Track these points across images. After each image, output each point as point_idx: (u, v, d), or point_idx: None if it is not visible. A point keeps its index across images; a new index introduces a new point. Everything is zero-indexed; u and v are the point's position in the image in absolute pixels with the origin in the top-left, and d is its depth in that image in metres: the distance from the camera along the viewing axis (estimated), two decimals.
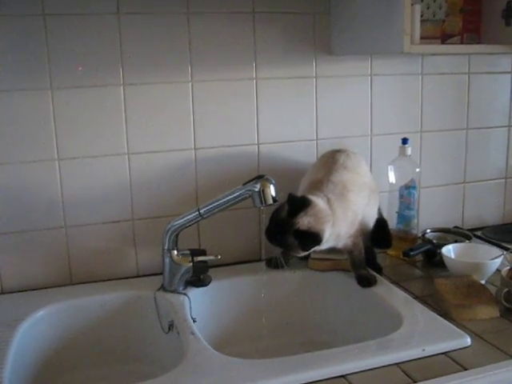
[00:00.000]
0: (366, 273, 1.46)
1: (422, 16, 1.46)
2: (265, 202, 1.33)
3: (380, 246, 1.62)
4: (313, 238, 1.33)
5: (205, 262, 1.43)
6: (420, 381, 1.03)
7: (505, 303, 1.30)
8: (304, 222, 1.33)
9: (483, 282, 1.43)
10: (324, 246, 1.39)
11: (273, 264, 1.52)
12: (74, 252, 1.52)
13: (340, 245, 1.44)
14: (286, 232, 1.33)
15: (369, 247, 1.53)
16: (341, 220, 1.39)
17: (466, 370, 1.07)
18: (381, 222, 1.59)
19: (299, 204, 1.35)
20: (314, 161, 1.66)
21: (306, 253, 1.39)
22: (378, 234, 1.57)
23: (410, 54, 1.34)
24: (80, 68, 1.43)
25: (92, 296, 1.44)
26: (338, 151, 1.54)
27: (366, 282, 1.44)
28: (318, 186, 1.43)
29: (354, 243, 1.46)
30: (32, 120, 1.43)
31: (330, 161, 1.51)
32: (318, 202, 1.37)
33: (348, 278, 1.49)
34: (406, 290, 1.42)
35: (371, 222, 1.54)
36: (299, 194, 1.43)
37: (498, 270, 1.41)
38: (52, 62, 1.41)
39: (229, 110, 1.58)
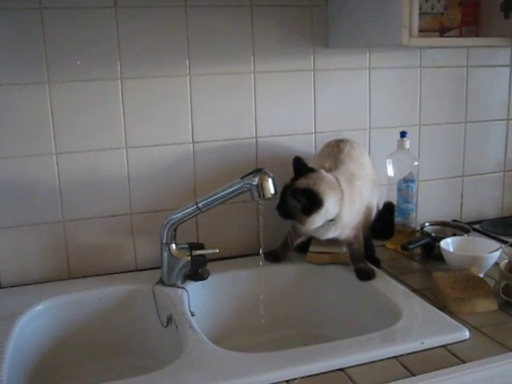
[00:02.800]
0: (365, 266, 1.46)
1: (420, 9, 1.45)
2: (263, 196, 1.33)
3: (383, 236, 1.61)
4: (312, 198, 1.33)
5: (203, 255, 1.43)
6: (419, 374, 1.04)
7: (503, 296, 1.30)
8: (303, 182, 1.34)
9: (482, 275, 1.43)
10: (328, 233, 1.41)
11: (272, 257, 1.52)
12: (72, 246, 1.52)
13: (343, 236, 1.44)
14: (287, 195, 1.35)
15: (367, 240, 1.53)
16: (347, 202, 1.38)
17: (464, 363, 1.07)
18: (388, 208, 1.57)
19: (304, 168, 1.37)
20: (312, 154, 1.66)
21: (310, 221, 1.36)
22: (383, 221, 1.56)
23: (409, 46, 1.34)
24: (78, 62, 1.43)
25: (90, 290, 1.44)
26: (342, 141, 1.53)
27: (364, 275, 1.44)
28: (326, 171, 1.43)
29: (355, 235, 1.46)
30: (29, 114, 1.42)
31: (335, 150, 1.51)
32: (326, 174, 1.38)
33: (347, 272, 1.49)
34: (404, 283, 1.43)
35: (372, 214, 1.54)
36: None
37: (497, 264, 1.41)
38: (49, 56, 1.41)
39: (227, 104, 1.58)
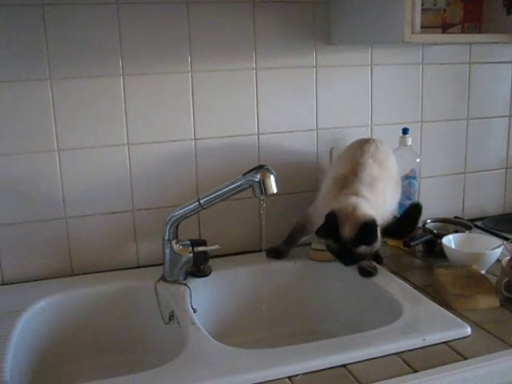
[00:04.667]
0: (368, 263, 1.46)
1: (422, 5, 1.45)
2: (265, 192, 1.33)
3: (400, 235, 1.54)
4: (369, 229, 1.30)
5: (205, 252, 1.44)
6: (420, 370, 1.04)
7: (505, 293, 1.30)
8: (347, 231, 1.29)
9: (483, 271, 1.43)
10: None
11: (274, 254, 1.53)
12: (75, 243, 1.52)
13: None
14: (350, 249, 1.31)
15: None
16: (374, 206, 1.36)
17: (466, 359, 1.07)
18: (415, 209, 1.45)
19: (334, 223, 1.31)
20: (314, 150, 1.66)
21: (378, 241, 1.33)
22: (407, 222, 1.47)
23: (411, 43, 1.34)
24: (80, 61, 1.43)
25: (92, 287, 1.44)
26: (367, 141, 1.50)
27: (366, 272, 1.43)
28: (344, 183, 1.40)
29: None
30: (31, 111, 1.42)
31: (358, 153, 1.46)
32: (341, 205, 1.33)
33: (348, 269, 1.48)
34: (406, 280, 1.42)
35: (390, 216, 1.47)
36: (324, 188, 1.46)
37: (499, 260, 1.41)
38: (51, 53, 1.41)
39: (229, 100, 1.58)
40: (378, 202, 1.38)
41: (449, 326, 1.18)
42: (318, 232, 1.32)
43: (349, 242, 1.30)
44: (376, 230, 1.30)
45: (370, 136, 1.73)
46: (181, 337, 1.19)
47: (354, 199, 1.34)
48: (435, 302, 1.29)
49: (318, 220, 1.35)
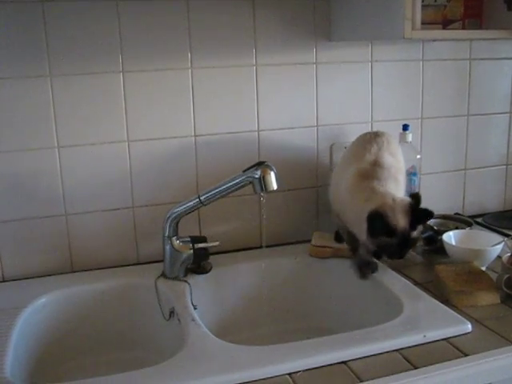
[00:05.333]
0: (369, 259, 1.45)
1: (423, 1, 1.45)
2: (265, 189, 1.33)
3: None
4: (418, 211, 1.28)
5: (205, 248, 1.44)
6: (421, 367, 1.04)
7: (505, 289, 1.30)
8: (402, 223, 1.26)
9: (484, 268, 1.43)
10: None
11: (367, 271, 1.44)
12: (75, 240, 1.52)
13: None
14: (409, 240, 1.28)
15: None
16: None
17: (466, 355, 1.07)
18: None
19: (383, 224, 1.26)
20: (314, 147, 1.66)
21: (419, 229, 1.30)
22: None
23: (411, 39, 1.33)
24: (80, 57, 1.43)
25: (93, 283, 1.44)
26: (378, 135, 1.47)
27: (364, 273, 1.42)
28: (368, 176, 1.36)
29: None
30: (31, 108, 1.42)
31: (374, 146, 1.43)
32: (379, 203, 1.29)
33: (348, 265, 1.49)
34: (406, 276, 1.42)
35: None
36: (336, 180, 1.45)
37: (499, 257, 1.41)
38: (51, 49, 1.40)
39: (229, 97, 1.57)
40: (400, 194, 1.35)
41: (449, 322, 1.18)
42: (372, 234, 1.27)
43: (407, 231, 1.27)
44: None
45: None
46: (181, 334, 1.19)
47: (383, 190, 1.31)
48: (436, 298, 1.29)
49: (351, 216, 1.35)
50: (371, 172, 1.37)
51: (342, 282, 1.50)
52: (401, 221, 1.26)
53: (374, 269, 1.43)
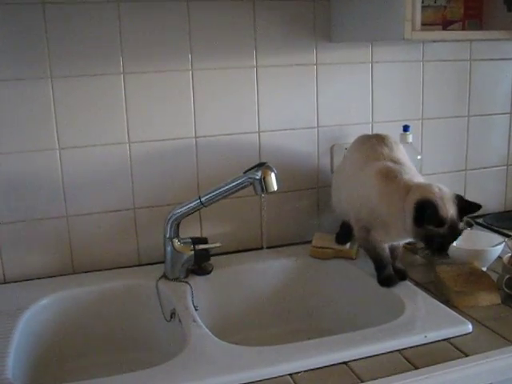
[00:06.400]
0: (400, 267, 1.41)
1: (423, 2, 1.45)
2: (266, 190, 1.33)
3: None
4: (464, 200, 1.25)
5: (206, 250, 1.44)
6: (422, 367, 1.04)
7: (506, 290, 1.30)
8: (446, 210, 1.22)
9: (485, 268, 1.43)
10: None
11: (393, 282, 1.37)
12: (76, 241, 1.52)
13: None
14: (457, 227, 1.25)
15: None
16: None
17: (467, 356, 1.07)
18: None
19: (433, 214, 1.22)
20: (315, 148, 1.66)
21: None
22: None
23: (411, 40, 1.33)
24: (80, 60, 1.43)
25: (94, 285, 1.44)
26: (384, 138, 1.44)
27: (402, 275, 1.39)
28: (397, 170, 1.33)
29: None
30: (32, 109, 1.42)
31: (386, 149, 1.40)
32: (420, 188, 1.27)
33: (350, 266, 1.49)
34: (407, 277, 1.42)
35: None
36: (345, 184, 1.44)
37: (500, 257, 1.41)
38: (51, 51, 1.41)
39: (229, 98, 1.58)
40: None
41: (450, 323, 1.18)
42: (421, 223, 1.22)
43: (456, 221, 1.23)
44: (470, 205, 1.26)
45: (370, 133, 1.72)
46: (182, 335, 1.19)
47: (424, 181, 1.28)
48: (436, 299, 1.29)
49: (384, 214, 1.31)
50: (396, 168, 1.34)
51: (343, 282, 1.50)
52: (450, 210, 1.23)
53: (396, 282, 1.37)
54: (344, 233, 1.54)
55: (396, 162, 1.37)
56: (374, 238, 1.36)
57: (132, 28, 1.45)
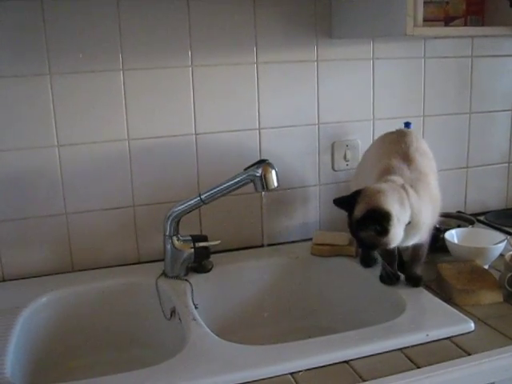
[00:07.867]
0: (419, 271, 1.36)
1: None
2: (266, 187, 1.32)
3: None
4: (377, 216, 1.18)
5: (206, 247, 1.43)
6: (424, 366, 1.03)
7: (508, 288, 1.29)
8: (358, 210, 1.20)
9: (486, 266, 1.42)
10: (408, 239, 1.25)
11: (392, 281, 1.36)
12: (75, 239, 1.52)
13: (422, 239, 1.30)
14: (356, 232, 1.22)
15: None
16: (417, 199, 1.25)
17: (469, 354, 1.07)
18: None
19: (348, 200, 1.23)
20: (315, 145, 1.66)
21: (393, 238, 1.19)
22: None
23: (413, 36, 1.32)
24: (80, 55, 1.42)
25: (93, 283, 1.43)
26: (405, 134, 1.42)
27: (415, 281, 1.34)
28: (394, 170, 1.31)
29: (427, 237, 1.33)
30: (31, 106, 1.42)
31: (403, 146, 1.37)
32: (372, 186, 1.24)
33: (351, 264, 1.49)
34: None
35: (435, 220, 1.36)
36: (359, 181, 1.40)
37: (502, 255, 1.40)
38: (50, 48, 1.40)
39: (230, 95, 1.57)
40: (425, 197, 1.28)
41: (452, 321, 1.18)
42: (336, 200, 1.24)
43: (354, 222, 1.21)
44: (386, 223, 1.17)
45: (371, 130, 1.72)
46: (182, 333, 1.18)
47: (391, 186, 1.24)
48: (438, 297, 1.29)
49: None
50: (397, 167, 1.32)
51: (344, 280, 1.50)
52: (357, 210, 1.21)
53: (395, 281, 1.36)
54: (367, 255, 1.47)
55: (407, 159, 1.34)
56: None
57: (131, 24, 1.45)
